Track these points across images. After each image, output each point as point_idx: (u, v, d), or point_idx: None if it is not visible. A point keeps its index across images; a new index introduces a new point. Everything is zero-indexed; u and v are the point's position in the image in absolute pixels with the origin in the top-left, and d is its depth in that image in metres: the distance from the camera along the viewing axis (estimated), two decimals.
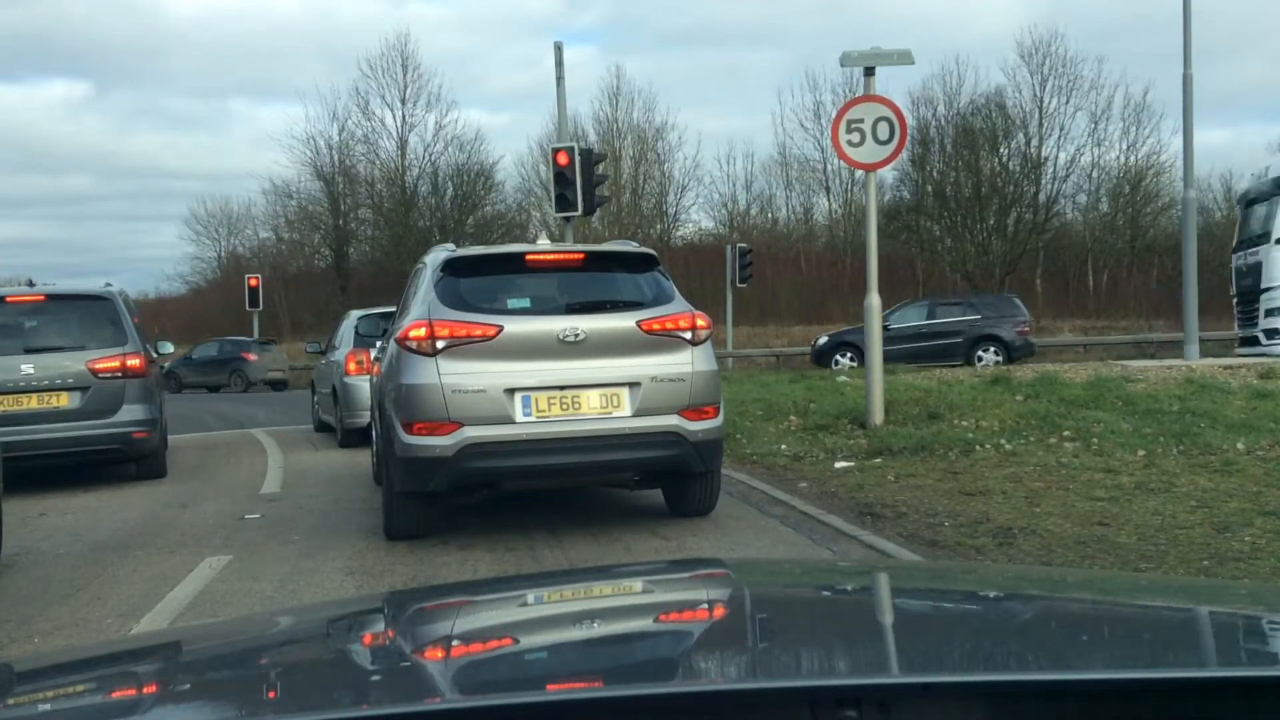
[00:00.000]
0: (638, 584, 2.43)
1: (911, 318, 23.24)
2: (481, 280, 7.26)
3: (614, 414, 6.79)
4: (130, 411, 10.36)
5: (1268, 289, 16.83)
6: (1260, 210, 17.11)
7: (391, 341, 7.32)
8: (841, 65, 11.30)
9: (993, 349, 22.05)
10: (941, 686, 1.42)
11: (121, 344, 10.48)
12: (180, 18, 67.62)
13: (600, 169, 16.11)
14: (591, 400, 6.77)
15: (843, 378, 15.41)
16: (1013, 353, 21.86)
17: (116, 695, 1.67)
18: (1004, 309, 23.25)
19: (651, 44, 67.91)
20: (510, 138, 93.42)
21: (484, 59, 66.33)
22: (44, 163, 74.10)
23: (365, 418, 11.14)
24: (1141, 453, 9.19)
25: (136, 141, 71.09)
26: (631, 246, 7.77)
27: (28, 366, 10.18)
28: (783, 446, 10.63)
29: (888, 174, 40.41)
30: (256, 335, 34.94)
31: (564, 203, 14.76)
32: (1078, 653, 1.65)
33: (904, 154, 29.53)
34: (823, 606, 2.10)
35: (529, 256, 7.43)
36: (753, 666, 1.66)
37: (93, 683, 1.75)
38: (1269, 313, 16.85)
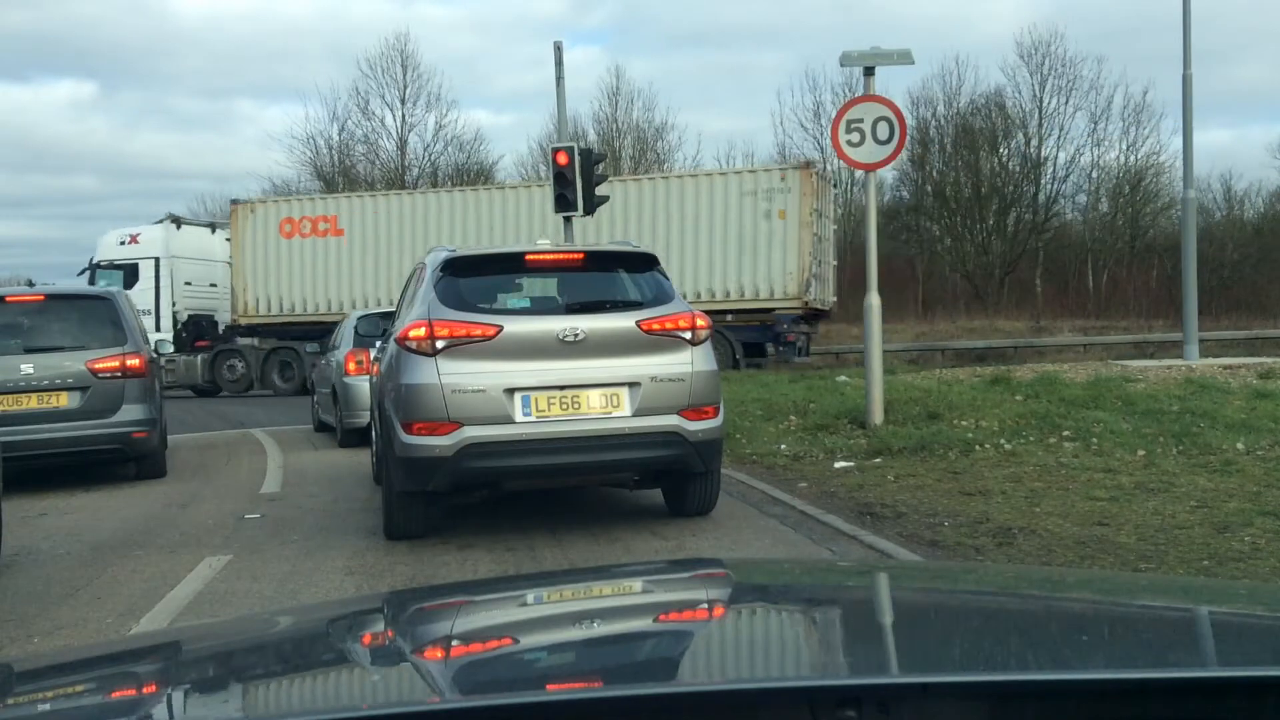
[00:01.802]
0: (638, 584, 2.43)
1: None
2: (481, 280, 7.26)
3: (614, 414, 6.79)
4: (130, 411, 10.35)
5: None
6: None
7: (391, 341, 7.32)
8: (841, 65, 11.30)
9: None
10: (941, 686, 1.42)
11: (121, 344, 10.47)
12: (188, 18, 67.53)
13: (600, 169, 16.10)
14: (591, 400, 6.77)
15: (843, 378, 15.40)
16: None
17: (116, 695, 1.67)
18: None
19: (658, 45, 67.86)
20: (514, 138, 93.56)
21: (491, 59, 66.35)
22: (48, 163, 74.05)
23: (365, 418, 11.14)
24: (1141, 453, 9.19)
25: (143, 141, 70.99)
26: (631, 246, 7.78)
27: (28, 366, 10.18)
28: (782, 446, 10.63)
29: (887, 174, 40.47)
30: None
31: (564, 203, 14.76)
32: (1078, 653, 1.65)
33: (904, 154, 29.62)
34: (823, 606, 2.10)
35: (529, 256, 7.43)
36: (753, 666, 1.66)
37: (92, 683, 1.75)
38: None
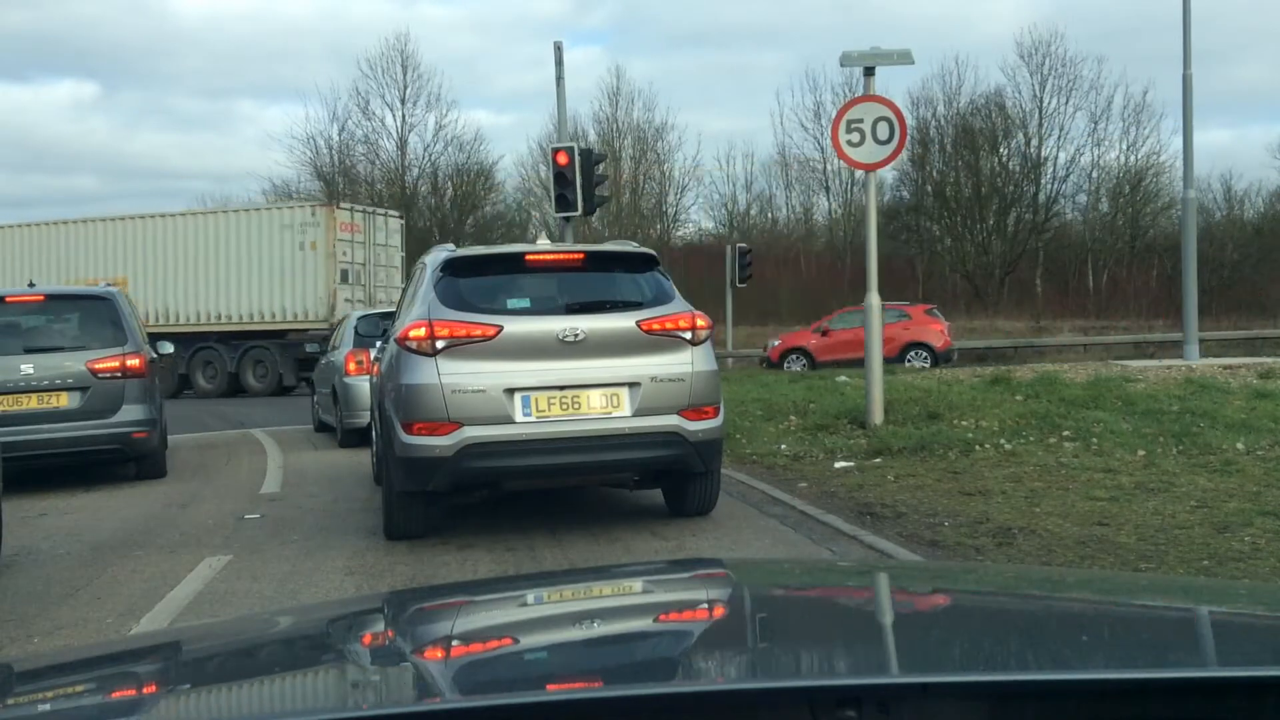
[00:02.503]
0: (638, 584, 2.43)
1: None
2: (481, 280, 7.25)
3: (614, 414, 6.78)
4: (130, 411, 10.34)
5: None
6: None
7: (391, 341, 7.31)
8: (841, 65, 11.31)
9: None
10: (941, 686, 1.42)
11: (121, 344, 10.46)
12: (188, 18, 67.53)
13: (600, 169, 16.10)
14: (591, 400, 6.77)
15: (843, 378, 15.42)
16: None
17: (116, 695, 1.67)
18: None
19: (658, 45, 68.01)
20: (515, 138, 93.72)
21: (491, 59, 66.48)
22: (48, 163, 73.90)
23: (365, 418, 11.13)
24: (1141, 453, 9.19)
25: (143, 141, 70.91)
26: (631, 246, 7.77)
27: (28, 366, 10.17)
28: (782, 446, 10.63)
29: (888, 174, 40.45)
30: None
31: (564, 203, 14.76)
32: (1078, 653, 1.65)
33: (904, 154, 29.66)
34: (823, 606, 2.10)
35: (529, 256, 7.42)
36: (753, 666, 1.66)
37: (93, 683, 1.75)
38: None
